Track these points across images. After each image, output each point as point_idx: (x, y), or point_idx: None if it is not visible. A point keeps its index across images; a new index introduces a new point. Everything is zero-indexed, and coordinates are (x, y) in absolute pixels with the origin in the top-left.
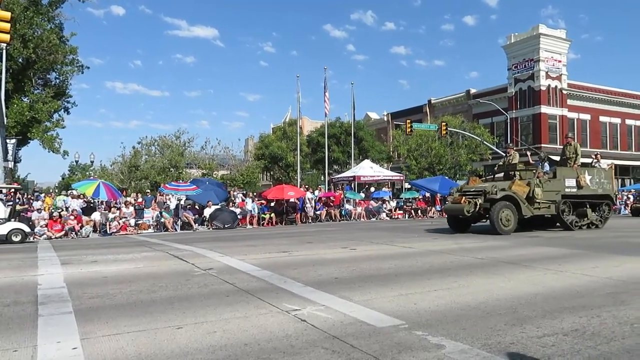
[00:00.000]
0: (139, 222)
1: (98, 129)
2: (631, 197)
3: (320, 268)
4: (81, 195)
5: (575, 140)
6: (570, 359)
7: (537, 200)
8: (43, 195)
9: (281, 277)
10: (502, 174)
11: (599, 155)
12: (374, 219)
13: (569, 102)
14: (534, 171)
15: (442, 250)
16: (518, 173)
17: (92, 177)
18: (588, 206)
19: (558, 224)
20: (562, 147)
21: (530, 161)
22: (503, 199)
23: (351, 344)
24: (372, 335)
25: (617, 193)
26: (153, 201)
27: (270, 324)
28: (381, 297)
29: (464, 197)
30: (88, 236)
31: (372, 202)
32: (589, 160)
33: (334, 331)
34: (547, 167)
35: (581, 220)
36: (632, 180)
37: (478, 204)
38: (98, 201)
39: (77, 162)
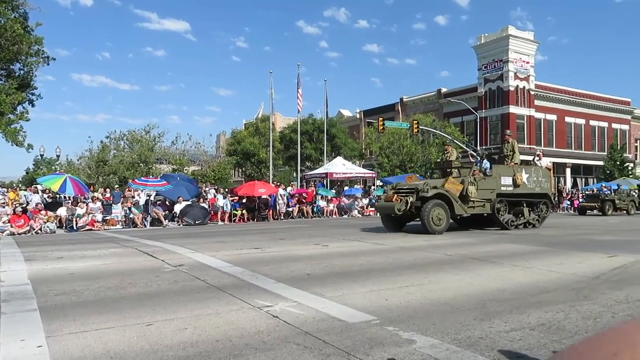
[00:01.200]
0: (106, 217)
1: (64, 122)
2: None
3: (292, 264)
4: (46, 190)
5: (513, 138)
6: (537, 353)
7: (472, 199)
8: (5, 189)
9: (253, 273)
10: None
11: (541, 154)
12: (346, 216)
13: (536, 102)
14: (470, 169)
15: (412, 247)
16: (456, 170)
17: (58, 172)
18: (525, 205)
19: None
20: (500, 144)
21: (471, 159)
22: (435, 197)
23: (323, 340)
24: (344, 330)
25: (580, 191)
26: (122, 196)
27: (242, 320)
28: (353, 293)
29: (395, 195)
30: (54, 232)
31: (344, 199)
32: (540, 159)
33: (306, 327)
34: (487, 164)
35: (518, 219)
36: (594, 180)
37: (409, 202)
38: (64, 196)
39: (42, 156)
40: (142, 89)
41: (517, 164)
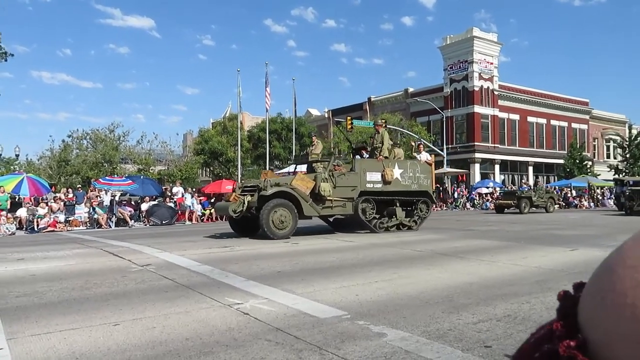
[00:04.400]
0: (69, 218)
1: (23, 121)
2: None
3: (262, 262)
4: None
5: (385, 128)
6: (504, 342)
7: (329, 198)
8: None
9: (222, 271)
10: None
11: (421, 146)
12: None
13: (500, 102)
14: (329, 162)
15: (381, 244)
16: (320, 165)
17: (17, 172)
18: (398, 204)
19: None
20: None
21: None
22: (277, 196)
23: (295, 335)
24: (315, 326)
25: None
26: (85, 196)
27: (212, 318)
28: (324, 289)
29: (234, 194)
30: (13, 233)
31: None
32: (419, 152)
33: (277, 323)
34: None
35: (390, 220)
36: (555, 177)
37: (246, 202)
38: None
39: (0, 155)
40: (105, 87)
41: (387, 157)
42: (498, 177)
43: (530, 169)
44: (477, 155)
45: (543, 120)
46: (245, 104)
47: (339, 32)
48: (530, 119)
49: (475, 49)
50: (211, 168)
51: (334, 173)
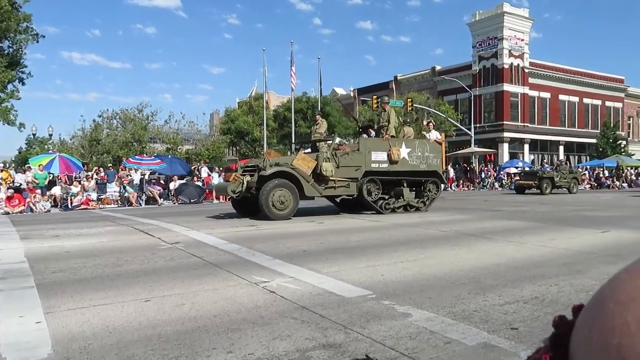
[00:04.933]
0: (101, 196)
1: (55, 101)
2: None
3: (289, 241)
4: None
5: (392, 106)
6: (530, 325)
7: (331, 178)
8: None
9: (249, 250)
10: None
11: (431, 124)
12: None
13: (531, 80)
14: (330, 142)
15: (408, 224)
16: (325, 144)
17: (50, 151)
18: (405, 185)
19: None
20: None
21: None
22: (277, 176)
23: (320, 314)
24: (340, 305)
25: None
26: (116, 175)
27: (240, 295)
28: (349, 268)
29: (233, 175)
30: (49, 211)
31: None
32: (429, 131)
33: (303, 302)
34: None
35: (397, 201)
36: (587, 157)
37: (245, 182)
38: (57, 175)
39: (34, 135)
40: (133, 67)
41: (394, 136)
42: (527, 157)
43: (561, 148)
44: (506, 134)
45: (575, 99)
46: (270, 83)
47: (365, 9)
48: (562, 97)
49: (505, 25)
50: (237, 147)
51: (337, 152)
